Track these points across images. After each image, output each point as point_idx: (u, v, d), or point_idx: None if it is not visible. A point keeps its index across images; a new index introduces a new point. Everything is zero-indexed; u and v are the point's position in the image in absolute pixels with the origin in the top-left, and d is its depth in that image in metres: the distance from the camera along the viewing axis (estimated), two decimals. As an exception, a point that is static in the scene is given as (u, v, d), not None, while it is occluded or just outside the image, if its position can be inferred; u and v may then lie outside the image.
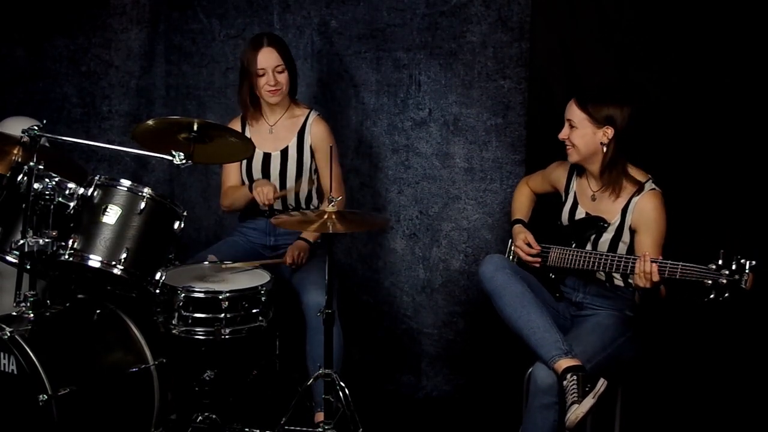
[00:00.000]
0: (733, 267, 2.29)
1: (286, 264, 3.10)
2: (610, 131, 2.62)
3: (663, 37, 3.00)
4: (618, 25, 3.06)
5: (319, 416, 2.86)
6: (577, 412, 2.39)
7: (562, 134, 2.70)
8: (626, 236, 2.67)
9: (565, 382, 2.44)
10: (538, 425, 2.52)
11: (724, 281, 2.29)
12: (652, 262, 2.41)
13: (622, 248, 2.67)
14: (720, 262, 2.31)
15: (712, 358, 3.00)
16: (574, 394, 2.41)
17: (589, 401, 2.40)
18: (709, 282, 2.32)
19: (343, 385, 2.75)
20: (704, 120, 2.96)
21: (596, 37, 3.10)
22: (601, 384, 2.44)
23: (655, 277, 2.40)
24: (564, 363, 2.47)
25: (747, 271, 2.28)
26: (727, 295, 2.30)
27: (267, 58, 3.07)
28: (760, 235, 2.83)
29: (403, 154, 3.57)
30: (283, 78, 3.11)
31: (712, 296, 2.32)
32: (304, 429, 2.86)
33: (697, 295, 2.35)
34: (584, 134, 2.65)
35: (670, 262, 2.40)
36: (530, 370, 2.57)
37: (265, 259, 3.11)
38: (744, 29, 2.87)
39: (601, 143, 2.64)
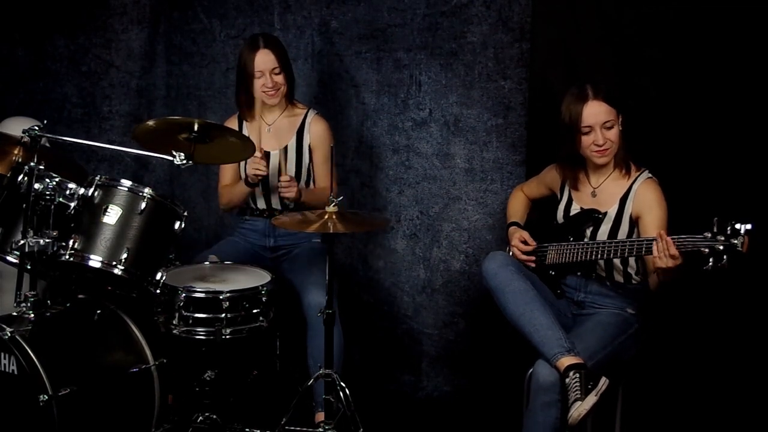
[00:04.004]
0: (728, 232, 2.28)
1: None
2: (620, 115, 2.66)
3: (663, 37, 3.00)
4: (618, 25, 3.06)
5: (320, 416, 2.87)
6: (579, 409, 2.38)
7: (601, 140, 2.62)
8: (624, 226, 2.67)
9: (567, 380, 2.44)
10: (539, 423, 2.51)
11: (721, 247, 2.28)
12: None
13: (621, 238, 2.67)
14: (715, 229, 2.30)
15: (712, 357, 3.00)
16: (577, 392, 2.40)
17: (591, 399, 2.39)
18: (706, 250, 2.30)
19: (343, 385, 2.75)
20: (704, 119, 2.96)
21: (596, 37, 3.10)
22: (603, 382, 2.43)
23: (673, 250, 2.35)
24: (566, 361, 2.47)
25: (742, 234, 2.27)
26: (725, 258, 2.28)
27: (264, 61, 3.07)
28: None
29: (404, 154, 3.57)
30: (280, 79, 3.11)
31: (710, 263, 2.30)
32: (305, 429, 2.86)
33: (696, 266, 2.33)
34: (617, 129, 2.66)
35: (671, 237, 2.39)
36: (531, 369, 2.57)
37: (265, 262, 3.11)
38: (743, 28, 2.87)
39: (620, 130, 2.66)
